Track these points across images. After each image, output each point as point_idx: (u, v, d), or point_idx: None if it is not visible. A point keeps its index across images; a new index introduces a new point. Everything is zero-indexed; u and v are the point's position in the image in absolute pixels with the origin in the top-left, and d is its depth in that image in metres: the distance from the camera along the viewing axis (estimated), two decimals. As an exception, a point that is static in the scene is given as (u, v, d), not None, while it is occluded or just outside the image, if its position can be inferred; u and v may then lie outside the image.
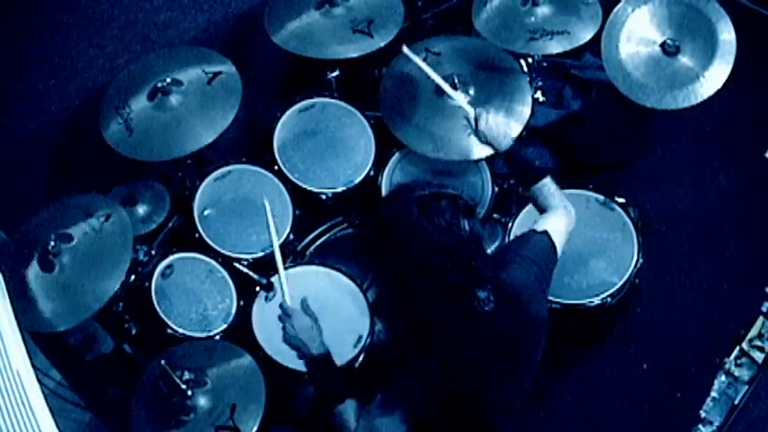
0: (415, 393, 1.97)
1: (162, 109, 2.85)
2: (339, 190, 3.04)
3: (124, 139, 2.80)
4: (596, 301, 2.77)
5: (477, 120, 2.54)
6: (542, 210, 2.38)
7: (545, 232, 2.23)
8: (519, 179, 2.58)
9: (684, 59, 2.85)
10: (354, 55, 3.00)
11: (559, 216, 2.32)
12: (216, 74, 2.92)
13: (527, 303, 2.08)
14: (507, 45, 2.95)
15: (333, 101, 3.14)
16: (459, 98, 2.69)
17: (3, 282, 2.12)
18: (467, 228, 1.90)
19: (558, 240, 2.24)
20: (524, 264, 2.14)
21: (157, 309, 2.78)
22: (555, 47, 2.89)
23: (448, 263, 1.88)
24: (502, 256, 2.23)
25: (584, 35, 2.91)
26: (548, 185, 2.38)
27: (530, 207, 2.76)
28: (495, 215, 3.01)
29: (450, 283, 1.90)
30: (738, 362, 3.11)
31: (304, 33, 3.03)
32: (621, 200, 2.91)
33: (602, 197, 2.91)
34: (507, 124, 2.57)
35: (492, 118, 2.52)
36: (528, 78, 3.06)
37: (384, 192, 3.03)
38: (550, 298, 2.74)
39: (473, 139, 2.63)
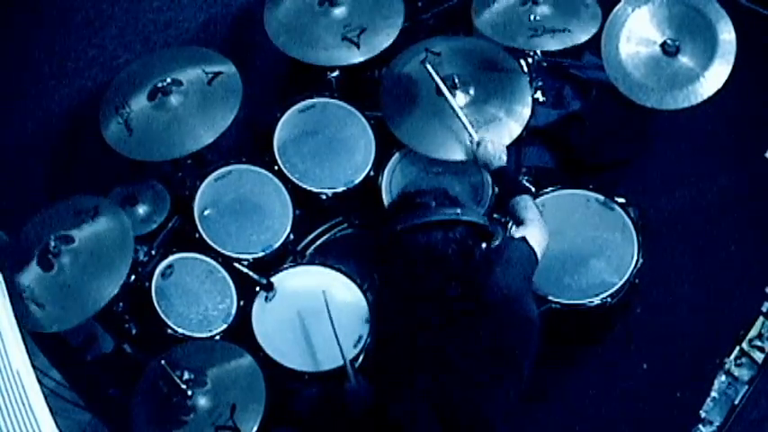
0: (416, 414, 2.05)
1: (162, 109, 2.84)
2: (339, 190, 3.04)
3: (124, 139, 2.80)
4: (596, 301, 2.77)
5: (478, 145, 2.67)
6: (518, 223, 2.43)
7: (523, 238, 2.30)
8: (502, 193, 2.70)
9: (684, 59, 2.85)
10: (333, 64, 3.00)
11: (534, 228, 2.37)
12: (216, 74, 2.92)
13: (514, 301, 2.13)
14: (508, 42, 2.94)
15: (333, 101, 3.14)
16: (469, 126, 2.75)
17: (3, 282, 2.13)
18: (479, 256, 2.01)
19: (535, 247, 2.29)
20: (507, 267, 2.19)
21: (157, 309, 2.78)
22: (556, 44, 2.89)
23: (457, 290, 1.99)
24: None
25: (584, 35, 2.91)
26: (526, 200, 2.47)
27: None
28: (495, 215, 3.01)
29: (454, 310, 2.01)
30: (738, 362, 3.11)
31: (296, 28, 3.00)
32: (621, 200, 2.91)
33: (602, 197, 2.91)
34: (503, 147, 2.68)
35: (491, 145, 2.64)
36: (528, 78, 3.06)
37: (384, 192, 3.03)
38: (550, 298, 2.75)
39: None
